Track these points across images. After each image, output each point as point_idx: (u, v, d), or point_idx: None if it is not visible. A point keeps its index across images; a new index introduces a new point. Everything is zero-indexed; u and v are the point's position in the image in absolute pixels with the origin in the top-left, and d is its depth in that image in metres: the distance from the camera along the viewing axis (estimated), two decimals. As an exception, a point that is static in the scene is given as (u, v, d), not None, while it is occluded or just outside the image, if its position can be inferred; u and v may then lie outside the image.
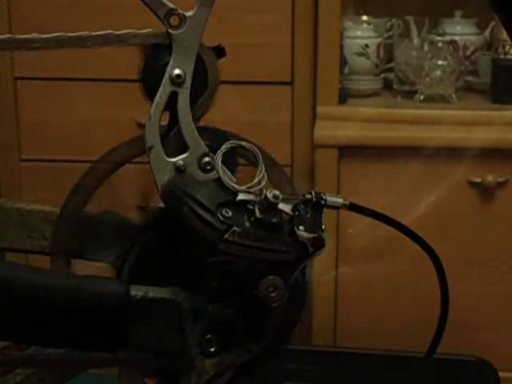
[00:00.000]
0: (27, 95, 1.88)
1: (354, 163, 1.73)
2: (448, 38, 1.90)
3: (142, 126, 0.80)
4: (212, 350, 0.79)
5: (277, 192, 0.75)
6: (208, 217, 0.74)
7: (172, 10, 0.79)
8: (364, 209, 0.81)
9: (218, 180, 0.78)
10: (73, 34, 0.79)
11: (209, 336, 0.79)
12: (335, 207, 0.79)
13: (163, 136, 0.80)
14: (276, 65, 1.81)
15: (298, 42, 1.80)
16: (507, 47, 1.77)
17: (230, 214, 0.75)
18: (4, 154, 1.91)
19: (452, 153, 1.69)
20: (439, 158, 1.70)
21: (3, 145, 1.90)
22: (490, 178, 1.70)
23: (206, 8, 0.79)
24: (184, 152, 0.80)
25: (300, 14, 1.78)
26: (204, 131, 0.82)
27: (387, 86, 1.93)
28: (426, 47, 1.86)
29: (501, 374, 1.69)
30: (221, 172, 0.78)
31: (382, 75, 1.93)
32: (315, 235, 0.76)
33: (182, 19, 0.79)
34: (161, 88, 0.79)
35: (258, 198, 0.76)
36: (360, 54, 1.88)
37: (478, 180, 1.71)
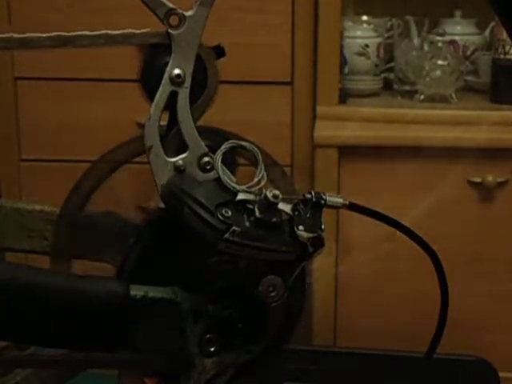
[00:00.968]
0: (27, 95, 1.88)
1: (354, 163, 1.73)
2: (448, 38, 1.90)
3: (141, 126, 0.80)
4: (212, 349, 0.79)
5: (276, 192, 0.75)
6: (208, 216, 0.74)
7: (171, 9, 0.79)
8: (364, 209, 0.81)
9: (218, 180, 0.78)
10: (70, 34, 0.78)
11: (209, 336, 0.79)
12: (335, 207, 0.79)
13: (163, 136, 0.80)
14: (276, 65, 1.81)
15: (298, 42, 1.80)
16: (507, 47, 1.77)
17: (230, 213, 0.75)
18: (4, 153, 1.91)
19: (452, 153, 1.69)
20: (439, 157, 1.70)
21: (3, 145, 1.90)
22: (489, 178, 1.70)
23: (205, 8, 0.79)
24: (184, 152, 0.80)
25: (300, 14, 1.78)
26: (204, 131, 0.82)
27: (387, 85, 1.93)
28: (426, 47, 1.86)
29: (501, 374, 1.69)
30: (221, 172, 0.78)
31: (382, 75, 1.93)
32: (315, 235, 0.76)
33: (182, 19, 0.79)
34: (160, 88, 0.79)
35: (257, 198, 0.76)
36: (360, 54, 1.88)
37: (478, 180, 1.71)
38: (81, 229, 0.91)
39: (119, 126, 1.73)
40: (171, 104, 0.80)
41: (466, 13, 1.93)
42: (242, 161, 0.88)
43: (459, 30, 1.92)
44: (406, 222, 0.84)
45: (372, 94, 1.90)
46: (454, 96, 1.82)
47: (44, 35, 0.78)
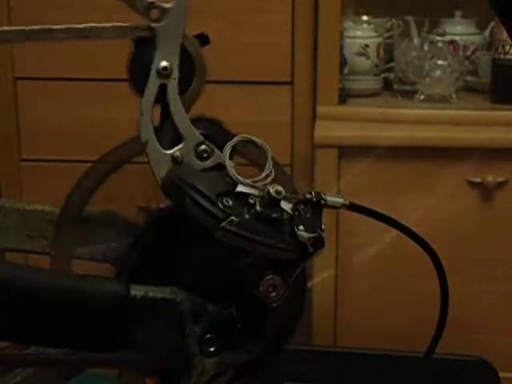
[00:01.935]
0: (27, 95, 1.88)
1: (354, 163, 1.73)
2: (448, 37, 1.90)
3: (140, 125, 0.80)
4: (212, 349, 0.79)
5: (279, 188, 0.75)
6: (208, 205, 0.74)
7: (151, 3, 0.78)
8: (364, 209, 0.81)
9: (219, 169, 0.78)
10: (51, 27, 0.77)
11: (209, 336, 0.79)
12: (335, 207, 0.79)
13: (157, 129, 0.80)
14: (276, 65, 1.81)
15: (298, 42, 1.80)
16: (507, 47, 1.77)
17: (231, 203, 0.75)
18: (4, 153, 1.91)
19: (452, 153, 1.69)
20: (439, 157, 1.70)
21: (3, 145, 1.90)
22: (489, 177, 1.70)
23: (184, -2, 0.79)
24: (179, 143, 0.80)
25: (300, 14, 1.78)
26: (197, 120, 0.82)
27: (387, 85, 1.93)
28: (425, 47, 1.86)
29: (501, 374, 1.69)
30: (228, 164, 0.77)
31: (382, 75, 1.93)
32: (315, 235, 0.76)
33: (162, 12, 0.78)
34: (149, 82, 0.79)
35: (260, 193, 0.76)
36: (360, 54, 1.88)
37: (478, 180, 1.71)
38: (81, 229, 0.91)
39: (119, 126, 1.72)
40: (162, 97, 0.79)
41: (466, 13, 1.93)
42: (241, 161, 0.88)
43: (459, 30, 1.92)
44: (405, 222, 0.84)
45: (372, 94, 1.90)
46: (453, 96, 1.82)
47: (17, 28, 0.76)
